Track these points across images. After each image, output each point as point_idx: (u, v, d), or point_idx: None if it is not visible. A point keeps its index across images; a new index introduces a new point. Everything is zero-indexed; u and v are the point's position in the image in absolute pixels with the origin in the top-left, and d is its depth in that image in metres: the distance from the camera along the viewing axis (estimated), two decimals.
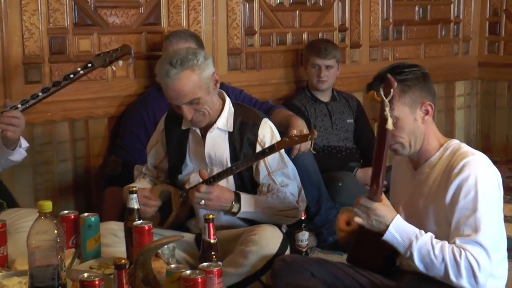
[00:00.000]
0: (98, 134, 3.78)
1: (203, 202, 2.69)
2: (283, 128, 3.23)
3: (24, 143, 2.95)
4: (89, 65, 2.92)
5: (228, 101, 2.88)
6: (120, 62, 2.96)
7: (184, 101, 2.69)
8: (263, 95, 4.07)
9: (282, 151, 2.82)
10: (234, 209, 2.75)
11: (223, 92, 2.91)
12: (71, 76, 2.90)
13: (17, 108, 2.78)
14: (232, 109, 2.88)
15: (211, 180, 2.74)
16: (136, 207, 2.38)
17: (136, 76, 3.83)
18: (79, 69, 2.91)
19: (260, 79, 4.29)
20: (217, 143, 2.85)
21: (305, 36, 4.45)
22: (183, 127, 2.91)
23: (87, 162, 3.77)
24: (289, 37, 4.40)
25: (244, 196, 2.77)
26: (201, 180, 2.79)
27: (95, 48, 3.68)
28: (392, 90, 2.04)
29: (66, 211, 2.43)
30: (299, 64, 4.42)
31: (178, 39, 3.57)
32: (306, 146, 3.19)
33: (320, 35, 4.51)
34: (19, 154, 2.93)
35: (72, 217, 2.39)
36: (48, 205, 1.96)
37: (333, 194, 3.64)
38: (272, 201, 2.78)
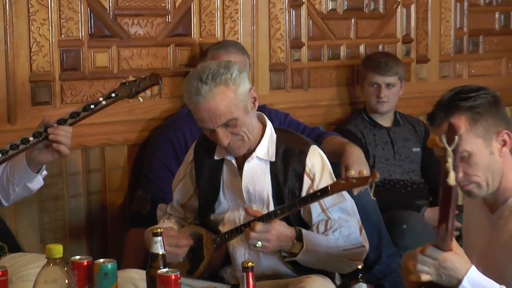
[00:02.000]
0: (117, 164, 3.79)
1: (260, 243, 2.67)
2: (336, 158, 3.24)
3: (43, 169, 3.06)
4: (113, 94, 2.99)
5: (269, 125, 2.89)
6: (148, 93, 3.03)
7: (220, 122, 2.70)
8: (311, 120, 4.07)
9: None
10: (295, 249, 2.73)
11: (263, 115, 2.93)
12: (92, 106, 2.95)
13: (66, 121, 2.91)
14: (274, 135, 2.88)
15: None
16: (161, 252, 2.38)
17: (162, 96, 3.83)
18: (101, 99, 2.98)
19: (308, 100, 4.28)
20: (257, 175, 2.86)
21: (362, 49, 4.46)
22: (216, 157, 2.92)
23: (103, 198, 3.78)
24: (343, 50, 4.41)
25: (306, 233, 2.76)
26: (236, 220, 2.85)
27: (113, 63, 3.72)
28: (456, 137, 2.01)
29: (78, 257, 2.40)
30: (355, 82, 4.42)
31: (237, 51, 3.65)
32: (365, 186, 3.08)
33: (380, 47, 4.52)
34: (37, 182, 3.03)
35: (85, 263, 2.37)
36: (58, 250, 1.96)
37: (396, 238, 3.62)
38: (334, 238, 2.77)
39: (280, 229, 2.69)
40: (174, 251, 2.79)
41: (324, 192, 2.67)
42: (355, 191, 3.05)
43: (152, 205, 3.52)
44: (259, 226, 2.65)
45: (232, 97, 2.69)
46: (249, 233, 2.67)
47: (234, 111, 2.70)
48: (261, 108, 3.34)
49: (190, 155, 3.02)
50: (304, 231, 2.75)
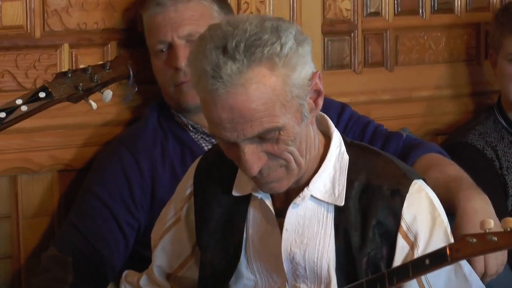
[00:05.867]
0: (40, 207, 3.69)
1: None
2: None
3: None
4: (42, 94, 2.89)
5: (337, 138, 2.77)
6: (108, 94, 2.94)
7: (249, 133, 2.53)
8: (400, 124, 3.99)
9: None
10: None
11: (327, 118, 2.82)
12: (2, 116, 2.87)
13: None
14: (346, 157, 2.76)
15: None
16: None
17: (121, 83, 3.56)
18: (19, 101, 2.88)
19: (395, 88, 4.22)
20: (311, 231, 2.75)
21: None
22: (236, 193, 2.81)
23: (14, 267, 3.68)
24: None
25: None
26: None
27: (34, 19, 3.64)
28: None
29: None
30: (481, 56, 4.36)
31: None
32: (504, 259, 3.07)
33: None
34: None
35: None
36: None
37: None
38: None
39: None
40: None
41: (439, 258, 2.49)
42: (487, 274, 3.08)
43: (77, 274, 3.41)
44: None
45: (279, 88, 2.53)
46: None
47: (279, 115, 2.53)
48: None
49: (186, 187, 2.94)
50: None
